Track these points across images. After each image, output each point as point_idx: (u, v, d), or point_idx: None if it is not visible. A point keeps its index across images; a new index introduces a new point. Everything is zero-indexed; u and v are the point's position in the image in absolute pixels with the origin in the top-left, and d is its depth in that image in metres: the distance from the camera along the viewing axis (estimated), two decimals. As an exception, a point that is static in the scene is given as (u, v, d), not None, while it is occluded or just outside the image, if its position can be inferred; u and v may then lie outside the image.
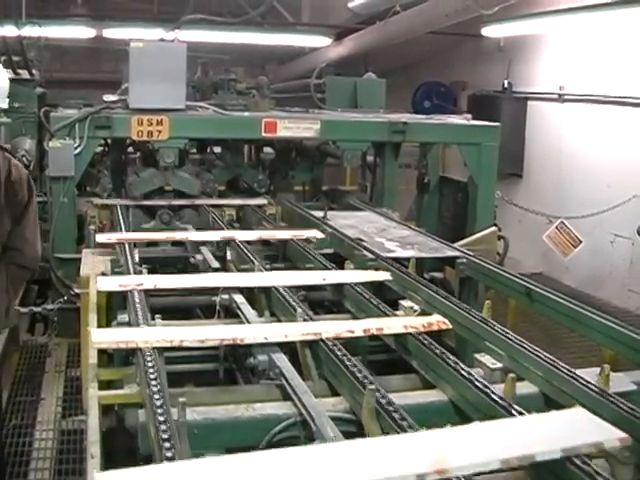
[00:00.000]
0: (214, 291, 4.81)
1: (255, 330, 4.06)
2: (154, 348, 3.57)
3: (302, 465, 2.58)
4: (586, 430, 2.90)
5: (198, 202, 7.81)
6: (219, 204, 7.81)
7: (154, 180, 7.87)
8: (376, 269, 5.39)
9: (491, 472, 2.69)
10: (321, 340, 3.88)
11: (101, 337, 3.82)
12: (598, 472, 2.69)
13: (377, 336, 4.23)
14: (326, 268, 5.44)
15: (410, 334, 4.07)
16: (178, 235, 6.56)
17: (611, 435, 2.85)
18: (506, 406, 3.13)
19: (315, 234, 6.40)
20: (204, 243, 6.10)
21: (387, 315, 4.40)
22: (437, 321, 4.24)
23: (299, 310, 4.36)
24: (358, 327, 4.14)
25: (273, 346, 3.85)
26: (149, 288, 4.71)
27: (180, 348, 3.80)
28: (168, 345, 3.74)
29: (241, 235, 6.18)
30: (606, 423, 2.95)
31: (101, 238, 5.24)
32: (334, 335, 3.96)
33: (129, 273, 5.05)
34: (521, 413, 3.10)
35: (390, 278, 5.26)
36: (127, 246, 5.64)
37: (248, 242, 6.00)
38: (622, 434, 2.86)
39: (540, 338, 6.40)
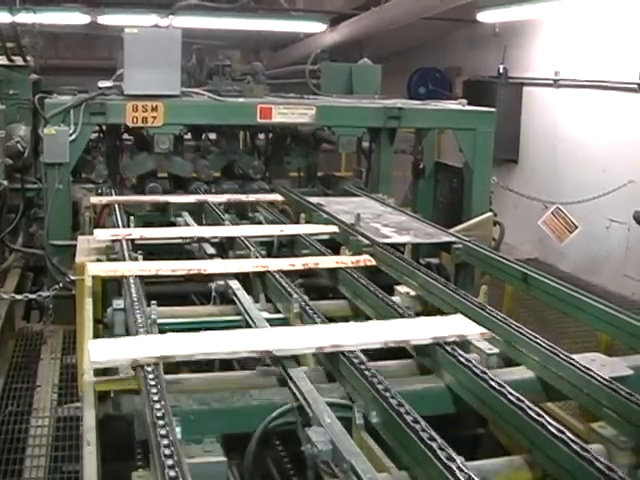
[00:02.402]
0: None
1: (216, 265, 5.05)
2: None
3: (241, 340, 3.59)
4: (459, 328, 3.82)
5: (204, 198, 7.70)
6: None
7: (147, 163, 7.88)
8: (372, 255, 5.40)
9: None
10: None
11: (96, 269, 4.64)
12: (464, 357, 3.45)
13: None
14: (282, 223, 6.52)
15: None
16: (161, 198, 7.41)
17: (476, 331, 3.81)
18: (502, 391, 3.13)
19: (276, 197, 7.50)
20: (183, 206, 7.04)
21: (384, 301, 4.41)
22: (364, 259, 5.15)
23: (252, 249, 5.32)
24: (298, 262, 5.15)
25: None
26: (136, 237, 5.63)
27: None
28: (147, 273, 4.65)
29: (212, 198, 7.23)
30: (478, 325, 3.89)
31: (100, 235, 5.61)
32: (279, 269, 4.88)
33: (124, 259, 5.05)
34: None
35: (337, 230, 6.07)
36: (124, 242, 5.66)
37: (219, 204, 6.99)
38: (484, 330, 3.82)
39: (536, 323, 6.40)
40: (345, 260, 5.17)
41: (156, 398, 2.92)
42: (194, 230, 6.18)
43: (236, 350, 3.48)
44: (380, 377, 3.26)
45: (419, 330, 3.79)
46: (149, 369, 3.19)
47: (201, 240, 5.80)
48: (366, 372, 3.27)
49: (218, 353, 3.44)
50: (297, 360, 3.56)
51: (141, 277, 4.63)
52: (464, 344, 3.82)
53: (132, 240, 5.57)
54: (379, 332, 3.77)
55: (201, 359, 3.46)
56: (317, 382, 3.48)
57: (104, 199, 7.09)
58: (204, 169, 8.29)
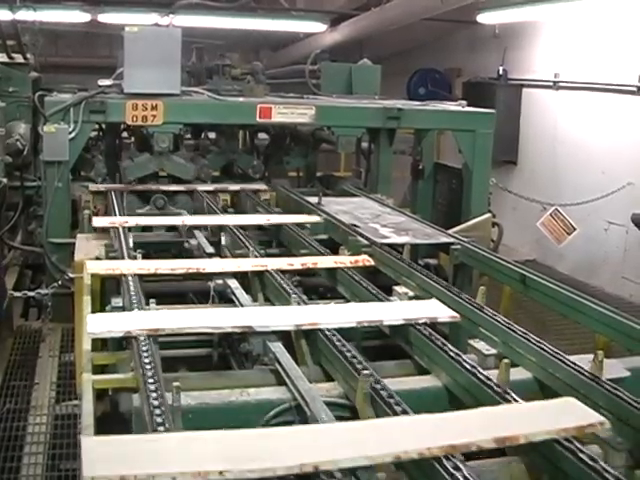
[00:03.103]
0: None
1: (214, 264, 5.05)
2: (148, 336, 3.58)
3: (226, 317, 4.02)
4: (431, 311, 4.07)
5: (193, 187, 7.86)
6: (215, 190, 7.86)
7: (148, 165, 7.88)
8: (371, 255, 5.41)
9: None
10: (319, 330, 3.88)
11: (95, 267, 4.69)
12: (439, 338, 3.73)
13: (312, 269, 5.22)
14: (269, 213, 6.78)
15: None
16: (153, 187, 7.70)
17: (447, 313, 4.05)
18: (500, 392, 3.13)
19: (260, 186, 7.90)
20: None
21: (380, 300, 4.42)
22: (363, 259, 5.16)
23: (251, 249, 5.33)
24: (297, 262, 5.16)
25: (268, 334, 3.86)
26: (132, 225, 5.88)
27: (174, 334, 3.81)
28: (146, 272, 4.67)
29: (201, 186, 7.71)
30: (448, 308, 4.13)
31: (97, 222, 5.69)
32: (277, 268, 4.89)
33: (123, 258, 5.05)
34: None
35: (321, 220, 6.34)
36: (121, 230, 5.66)
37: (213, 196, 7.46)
38: (453, 313, 4.07)
39: (534, 324, 6.41)
40: (344, 260, 5.18)
41: (155, 395, 2.93)
42: (186, 219, 6.41)
43: (221, 325, 3.83)
44: (377, 376, 3.28)
45: (393, 312, 4.11)
46: (143, 343, 3.46)
47: (193, 228, 6.09)
48: (365, 371, 3.27)
49: (204, 327, 3.80)
50: (278, 337, 3.83)
51: (140, 275, 4.64)
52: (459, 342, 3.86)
53: (129, 228, 5.73)
54: (355, 313, 4.10)
55: (188, 332, 3.75)
56: (315, 381, 3.50)
57: (101, 186, 7.59)
58: (203, 168, 8.29)
